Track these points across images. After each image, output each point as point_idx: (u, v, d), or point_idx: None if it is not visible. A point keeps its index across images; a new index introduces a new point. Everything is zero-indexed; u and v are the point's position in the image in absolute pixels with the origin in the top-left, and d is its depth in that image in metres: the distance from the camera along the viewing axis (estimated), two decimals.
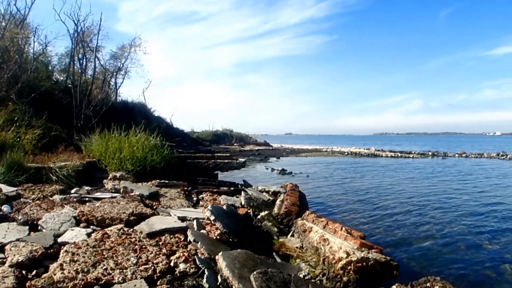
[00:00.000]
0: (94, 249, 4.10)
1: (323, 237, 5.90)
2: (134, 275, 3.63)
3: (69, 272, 3.50)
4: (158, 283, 3.64)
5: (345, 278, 4.88)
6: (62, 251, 4.02)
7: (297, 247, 6.27)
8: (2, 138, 9.36)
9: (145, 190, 7.67)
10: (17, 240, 4.28)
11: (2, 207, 5.63)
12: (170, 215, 6.04)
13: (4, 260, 3.74)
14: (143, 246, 4.38)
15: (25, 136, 10.13)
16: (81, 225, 5.18)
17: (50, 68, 23.16)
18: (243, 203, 8.28)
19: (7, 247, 4.02)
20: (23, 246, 4.05)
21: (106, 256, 3.97)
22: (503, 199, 13.96)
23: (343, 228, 6.02)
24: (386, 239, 8.43)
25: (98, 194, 7.24)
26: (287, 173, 21.63)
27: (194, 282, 3.76)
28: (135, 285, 3.45)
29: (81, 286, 3.35)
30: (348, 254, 5.09)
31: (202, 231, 5.44)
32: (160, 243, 4.63)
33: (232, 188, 9.71)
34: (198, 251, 4.52)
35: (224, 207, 6.89)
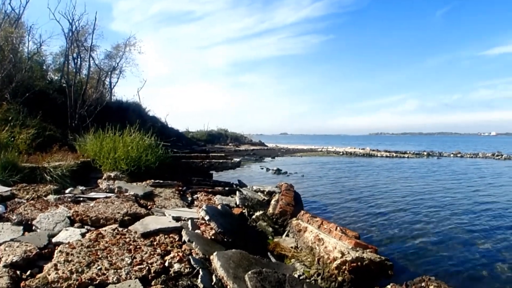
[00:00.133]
0: (88, 249, 4.09)
1: (318, 237, 5.91)
2: (128, 275, 3.63)
3: (63, 272, 3.50)
4: (153, 283, 3.65)
5: (340, 278, 4.89)
6: (56, 251, 4.01)
7: (292, 247, 6.28)
8: None
9: (139, 190, 7.66)
10: (12, 240, 4.27)
11: None
12: (165, 215, 6.04)
13: None
14: (138, 246, 4.38)
15: (19, 136, 10.10)
16: (76, 225, 5.18)
17: (44, 67, 23.09)
18: (238, 203, 8.29)
19: (1, 248, 4.01)
20: (17, 246, 4.04)
21: (100, 256, 3.97)
22: (497, 198, 14.02)
23: (338, 228, 6.03)
24: (381, 239, 8.45)
25: (92, 194, 7.23)
26: (282, 173, 21.63)
27: (189, 282, 3.76)
28: (129, 285, 3.45)
29: (75, 286, 3.35)
30: (343, 254, 5.10)
31: (196, 231, 5.45)
32: (155, 243, 4.63)
33: (227, 188, 9.72)
34: (192, 251, 4.53)
35: (219, 207, 6.90)
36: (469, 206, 12.34)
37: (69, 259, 3.80)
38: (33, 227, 4.95)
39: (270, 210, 8.28)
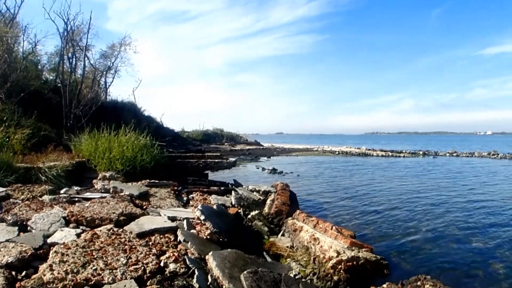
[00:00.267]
0: (83, 250, 4.09)
1: (314, 236, 5.93)
2: (124, 276, 3.63)
3: (58, 273, 3.49)
4: (148, 283, 3.64)
5: (335, 277, 4.91)
6: (51, 251, 4.01)
7: (287, 247, 6.30)
8: None
9: (135, 190, 7.66)
10: (7, 241, 4.26)
11: None
12: (160, 215, 6.04)
13: None
14: (133, 246, 4.38)
15: (14, 136, 10.06)
16: (71, 225, 5.17)
17: (39, 67, 22.98)
18: (233, 203, 8.30)
19: None
20: (12, 247, 4.03)
21: (95, 256, 3.97)
22: (493, 197, 14.08)
23: (334, 227, 6.05)
24: (376, 238, 8.47)
25: (87, 194, 7.22)
26: (277, 173, 21.65)
27: (184, 282, 3.76)
28: (125, 286, 3.45)
29: (70, 287, 3.35)
30: (338, 253, 5.12)
31: (192, 231, 5.45)
32: (150, 243, 4.63)
33: (222, 188, 9.73)
34: (188, 251, 4.53)
35: (214, 206, 6.91)
36: (464, 205, 12.40)
37: (64, 259, 3.80)
38: (28, 228, 4.94)
39: (266, 209, 8.29)
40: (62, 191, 7.37)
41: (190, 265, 4.04)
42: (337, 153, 42.81)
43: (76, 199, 6.72)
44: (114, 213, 5.66)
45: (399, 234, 8.80)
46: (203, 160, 12.18)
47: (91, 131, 11.51)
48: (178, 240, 4.91)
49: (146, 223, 5.37)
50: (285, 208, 8.12)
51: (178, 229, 5.22)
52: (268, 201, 8.84)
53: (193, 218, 6.01)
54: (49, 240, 4.47)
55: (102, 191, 7.79)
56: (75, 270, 3.59)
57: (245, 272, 4.05)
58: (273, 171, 22.16)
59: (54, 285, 3.34)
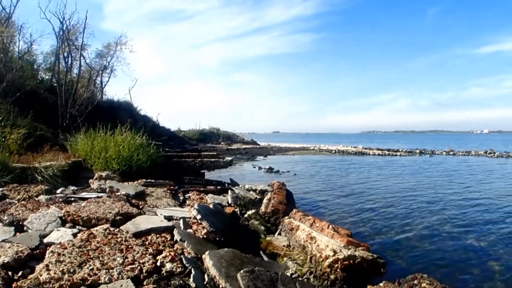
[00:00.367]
0: (80, 250, 4.09)
1: (310, 235, 5.94)
2: (120, 275, 3.63)
3: (55, 273, 3.49)
4: (145, 283, 3.65)
5: (332, 276, 4.92)
6: (48, 251, 4.00)
7: (284, 246, 6.30)
8: None
9: (131, 189, 7.65)
10: (3, 241, 4.25)
11: None
12: (157, 215, 6.04)
13: None
14: (129, 246, 4.38)
15: (10, 136, 10.03)
16: (67, 225, 5.16)
17: (35, 67, 22.93)
18: (230, 202, 8.30)
19: None
20: (8, 247, 4.03)
21: (92, 256, 3.97)
22: (489, 195, 14.14)
23: (330, 226, 6.06)
24: (373, 237, 8.49)
25: (83, 194, 7.21)
26: (274, 172, 21.67)
27: (181, 282, 3.76)
28: (121, 285, 3.45)
29: (67, 287, 3.35)
30: (335, 252, 5.13)
31: (188, 230, 5.45)
32: (147, 242, 4.63)
33: (219, 187, 9.73)
34: (184, 250, 4.53)
35: (211, 206, 6.91)
36: (460, 203, 12.47)
37: (61, 259, 3.80)
38: (25, 228, 4.93)
39: (262, 208, 8.30)
40: (58, 191, 7.36)
41: (186, 265, 4.05)
42: (333, 152, 42.87)
43: (72, 199, 6.71)
44: (110, 212, 5.66)
45: (395, 232, 8.83)
46: (199, 159, 12.18)
47: (87, 131, 11.49)
48: (174, 239, 4.91)
49: (143, 222, 5.37)
50: (282, 207, 8.13)
51: (175, 229, 5.22)
52: (265, 200, 8.85)
53: (190, 218, 6.01)
54: (45, 240, 4.47)
55: (98, 190, 7.78)
56: (71, 270, 3.59)
57: (241, 271, 4.05)
58: (270, 170, 22.18)
59: (51, 285, 3.33)
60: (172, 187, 8.69)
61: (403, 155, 39.85)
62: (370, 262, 5.09)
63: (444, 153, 42.83)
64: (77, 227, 5.14)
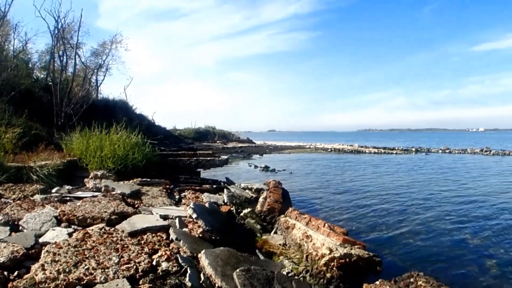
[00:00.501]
0: (75, 249, 4.08)
1: (306, 234, 5.94)
2: (116, 275, 3.63)
3: (50, 273, 3.49)
4: (141, 282, 3.64)
5: (328, 275, 4.92)
6: (43, 251, 3.99)
7: (280, 244, 6.31)
8: None
9: (126, 188, 7.65)
10: None
11: None
12: (152, 214, 6.03)
13: None
14: (125, 245, 4.38)
15: (5, 135, 10.00)
16: (62, 224, 5.15)
17: (30, 65, 22.91)
18: (225, 201, 8.30)
19: None
20: (4, 247, 4.01)
21: (87, 255, 3.96)
22: (484, 193, 14.21)
23: (326, 225, 6.06)
24: (369, 235, 8.52)
25: (79, 193, 7.20)
26: (270, 170, 21.69)
27: (177, 281, 3.76)
28: (117, 285, 3.45)
29: (63, 287, 3.34)
30: (331, 251, 5.13)
31: (184, 229, 5.45)
32: (142, 242, 4.63)
33: (214, 186, 9.73)
34: (180, 249, 4.54)
35: (207, 204, 6.91)
36: (456, 201, 12.51)
37: (56, 259, 3.79)
38: (20, 227, 4.91)
39: (258, 207, 8.30)
40: (53, 190, 7.34)
41: (182, 264, 4.05)
42: (329, 150, 42.93)
43: (68, 198, 6.69)
44: (105, 212, 5.65)
45: (391, 230, 8.86)
46: (195, 158, 12.17)
47: (82, 130, 11.47)
48: (170, 238, 4.91)
49: (138, 221, 5.37)
50: (278, 205, 8.13)
51: (170, 228, 5.22)
52: (261, 199, 8.85)
53: (185, 217, 6.01)
54: (40, 240, 4.46)
55: (94, 190, 7.77)
56: (67, 270, 3.58)
57: (237, 270, 4.06)
58: (266, 168, 22.20)
59: (46, 285, 3.33)
60: (167, 186, 8.68)
61: (399, 153, 39.97)
62: (366, 260, 5.10)
63: (440, 151, 42.94)
64: (73, 226, 5.13)
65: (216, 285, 3.85)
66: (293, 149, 44.32)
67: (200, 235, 5.39)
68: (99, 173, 9.01)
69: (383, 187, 15.46)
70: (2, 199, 6.31)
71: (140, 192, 7.74)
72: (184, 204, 7.26)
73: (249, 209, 7.96)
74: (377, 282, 4.50)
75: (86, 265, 3.73)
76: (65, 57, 21.90)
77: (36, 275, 3.44)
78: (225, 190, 9.11)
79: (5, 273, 3.52)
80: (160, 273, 3.85)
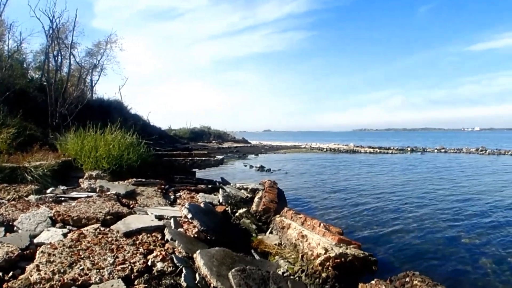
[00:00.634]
0: (70, 250, 4.08)
1: (302, 234, 5.95)
2: (111, 275, 3.63)
3: (45, 273, 3.48)
4: (136, 282, 3.65)
5: (324, 274, 4.93)
6: (38, 252, 3.99)
7: (275, 244, 6.31)
8: None
9: (121, 189, 7.64)
10: None
11: None
12: (147, 214, 6.03)
13: None
14: (120, 246, 4.38)
15: None
16: (57, 225, 5.14)
17: (25, 65, 22.85)
18: (221, 201, 8.31)
19: None
20: None
21: (82, 256, 3.96)
22: (479, 191, 14.26)
23: (321, 224, 6.07)
24: (364, 234, 8.53)
25: (74, 194, 7.18)
26: (265, 170, 21.68)
27: (172, 281, 3.77)
28: (112, 285, 3.45)
29: (57, 287, 3.34)
30: (326, 250, 5.14)
31: (179, 229, 5.45)
32: (137, 242, 4.63)
33: (209, 186, 9.73)
34: (175, 249, 4.54)
35: (202, 205, 6.90)
36: (450, 199, 12.57)
37: (51, 259, 3.79)
38: (15, 228, 4.91)
39: (254, 207, 8.31)
40: (48, 191, 7.32)
41: (177, 264, 4.05)
42: (325, 150, 42.96)
43: (63, 198, 6.68)
44: (100, 212, 5.64)
45: (387, 230, 8.87)
46: (190, 158, 12.17)
47: (77, 130, 11.45)
48: (165, 239, 4.91)
49: (133, 222, 5.36)
50: (273, 205, 8.14)
51: (166, 228, 5.22)
52: (256, 199, 8.85)
53: (181, 217, 6.01)
54: (35, 240, 4.45)
55: (89, 190, 7.75)
56: (62, 270, 3.58)
57: (233, 270, 4.06)
58: (261, 168, 22.19)
59: (41, 286, 3.32)
60: (162, 186, 8.68)
61: (395, 153, 40.06)
62: (362, 260, 5.11)
63: (435, 150, 43.03)
64: (68, 227, 5.12)
65: (212, 285, 3.86)
66: (289, 149, 44.34)
67: (195, 235, 5.40)
68: (94, 173, 9.00)
69: (378, 187, 15.49)
70: None
71: (135, 192, 7.74)
72: (179, 204, 7.26)
73: (244, 209, 7.97)
74: (373, 282, 4.51)
75: (81, 265, 3.73)
76: (59, 57, 21.87)
77: (31, 276, 3.44)
78: (220, 190, 9.10)
79: (0, 273, 3.51)
80: (155, 274, 3.85)
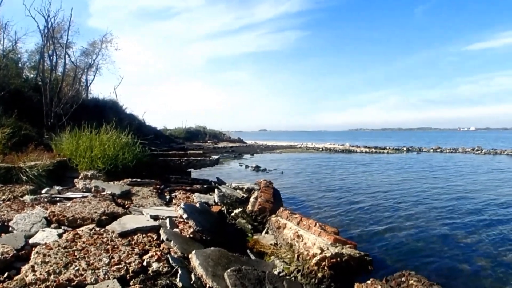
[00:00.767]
0: (65, 250, 4.07)
1: (297, 234, 5.95)
2: (106, 276, 3.62)
3: (40, 274, 3.48)
4: (131, 283, 3.64)
5: (319, 274, 4.94)
6: (33, 252, 3.98)
7: (271, 244, 6.31)
8: None
9: (116, 189, 7.63)
10: None
11: None
12: (143, 214, 6.02)
13: None
14: (115, 246, 4.37)
15: None
16: (52, 225, 5.13)
17: (20, 65, 22.77)
18: (216, 201, 8.31)
19: None
20: None
21: (78, 256, 3.95)
22: (474, 191, 14.31)
23: (317, 224, 6.07)
24: (360, 234, 8.54)
25: (69, 194, 7.17)
26: (261, 170, 21.69)
27: (168, 281, 3.76)
28: (107, 286, 3.45)
29: None
30: (322, 250, 5.14)
31: (175, 229, 5.45)
32: (133, 242, 4.62)
33: (205, 186, 9.73)
34: (171, 250, 4.54)
35: (197, 205, 6.89)
36: (445, 198, 12.63)
37: (46, 260, 3.78)
38: (10, 228, 4.89)
39: (249, 207, 8.30)
40: (43, 191, 7.30)
41: (173, 264, 4.05)
42: (320, 150, 43.04)
43: (58, 199, 6.67)
44: (96, 212, 5.64)
45: (382, 229, 8.89)
46: (185, 158, 12.16)
47: (72, 130, 11.42)
48: (161, 239, 4.91)
49: (129, 222, 5.36)
50: (269, 205, 8.14)
51: (161, 228, 5.22)
52: (252, 199, 8.85)
53: (176, 217, 6.00)
54: (30, 241, 4.44)
55: (84, 190, 7.74)
56: (57, 271, 3.57)
57: (228, 270, 4.07)
58: (257, 168, 22.21)
59: (37, 286, 3.32)
60: (158, 186, 8.68)
61: (390, 152, 40.15)
62: (358, 260, 5.12)
63: (431, 150, 43.15)
64: (63, 227, 5.11)
65: (207, 285, 3.86)
66: (284, 149, 44.41)
67: (191, 235, 5.40)
68: (89, 173, 8.98)
69: (374, 186, 15.52)
70: None
71: (131, 193, 7.73)
72: (175, 204, 7.26)
73: (240, 209, 7.97)
74: (369, 282, 4.52)
75: (76, 266, 3.72)
76: (55, 56, 21.84)
77: (26, 276, 3.43)
78: (216, 190, 9.11)
79: None
80: (151, 274, 3.85)
